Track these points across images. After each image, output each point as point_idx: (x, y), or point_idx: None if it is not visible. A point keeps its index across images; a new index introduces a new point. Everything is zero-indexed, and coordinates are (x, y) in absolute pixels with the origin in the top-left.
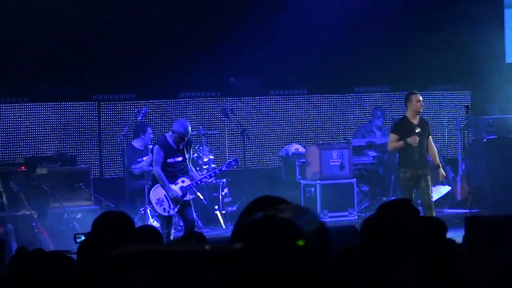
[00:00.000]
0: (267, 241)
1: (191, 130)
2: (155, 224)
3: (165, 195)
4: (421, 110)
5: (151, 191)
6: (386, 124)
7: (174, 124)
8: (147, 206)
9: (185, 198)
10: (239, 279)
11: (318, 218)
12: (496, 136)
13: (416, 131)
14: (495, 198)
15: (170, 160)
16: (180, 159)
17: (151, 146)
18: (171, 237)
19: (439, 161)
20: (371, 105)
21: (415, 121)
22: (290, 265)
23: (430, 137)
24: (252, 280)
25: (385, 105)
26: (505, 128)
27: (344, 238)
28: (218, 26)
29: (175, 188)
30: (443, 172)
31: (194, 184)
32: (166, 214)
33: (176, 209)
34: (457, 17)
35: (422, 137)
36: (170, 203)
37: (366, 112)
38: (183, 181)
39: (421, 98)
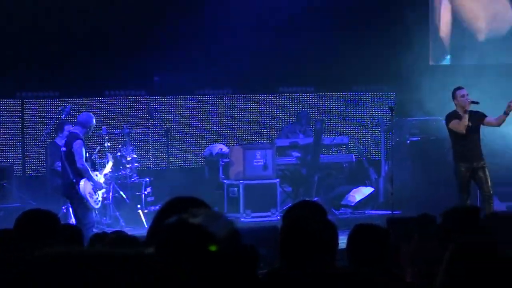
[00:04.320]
0: (179, 246)
1: (115, 129)
2: None
3: (93, 188)
4: (468, 105)
5: (81, 186)
6: (310, 126)
7: (82, 117)
8: (69, 204)
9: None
10: (150, 284)
11: (231, 222)
12: (419, 138)
13: (468, 124)
14: (418, 199)
15: (86, 155)
16: (87, 154)
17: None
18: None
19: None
20: (296, 106)
21: (465, 116)
22: (203, 270)
23: (486, 117)
24: (164, 286)
25: (309, 105)
26: (428, 130)
27: (266, 238)
28: (144, 24)
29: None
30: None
31: (104, 177)
32: (98, 206)
33: (101, 201)
34: (381, 18)
35: (473, 130)
36: (98, 195)
37: (291, 113)
38: (96, 175)
39: (465, 93)
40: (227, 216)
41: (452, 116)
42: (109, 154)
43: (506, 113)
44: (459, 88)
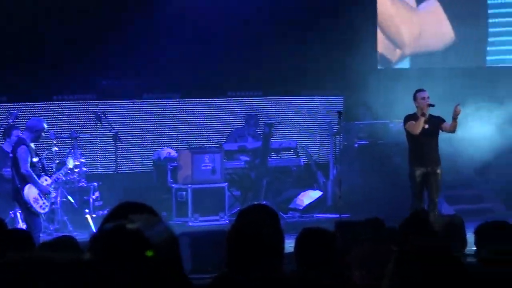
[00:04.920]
0: (116, 251)
1: (63, 133)
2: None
3: (38, 193)
4: (427, 107)
5: (25, 192)
6: (258, 130)
7: (31, 123)
8: (16, 210)
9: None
10: None
11: (169, 228)
12: (367, 142)
13: (425, 127)
14: (366, 203)
15: (34, 160)
16: (37, 159)
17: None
18: (40, 240)
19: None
20: (244, 110)
21: (421, 118)
22: (141, 275)
23: (444, 123)
24: None
25: (257, 109)
26: (376, 133)
27: (217, 242)
28: (92, 28)
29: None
30: (459, 108)
31: (54, 182)
32: (44, 211)
33: (49, 206)
34: (330, 22)
35: (430, 134)
36: (45, 200)
37: (239, 117)
38: (46, 180)
39: (426, 95)
40: (166, 222)
41: (410, 117)
42: (69, 156)
43: (454, 119)
44: (420, 90)
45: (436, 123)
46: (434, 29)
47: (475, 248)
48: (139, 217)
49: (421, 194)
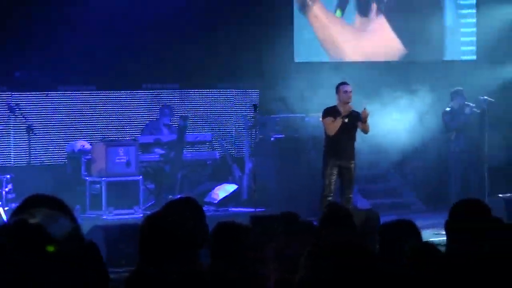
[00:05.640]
0: (16, 247)
1: None
2: None
3: None
4: (349, 100)
5: None
6: (174, 123)
7: None
8: None
9: None
10: None
11: (73, 221)
12: (283, 136)
13: (344, 120)
14: (281, 196)
15: None
16: None
17: None
18: None
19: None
20: (160, 102)
21: (344, 111)
22: (42, 271)
23: (360, 121)
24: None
25: (173, 102)
26: (292, 127)
27: (128, 236)
28: (5, 19)
29: None
30: (366, 112)
31: None
32: None
33: None
34: (246, 15)
35: (349, 129)
36: None
37: (154, 109)
38: None
39: (348, 89)
40: (72, 216)
41: (329, 112)
42: None
43: (363, 121)
44: (344, 83)
45: (355, 119)
46: (383, 49)
47: (378, 247)
48: (42, 211)
49: (332, 187)
